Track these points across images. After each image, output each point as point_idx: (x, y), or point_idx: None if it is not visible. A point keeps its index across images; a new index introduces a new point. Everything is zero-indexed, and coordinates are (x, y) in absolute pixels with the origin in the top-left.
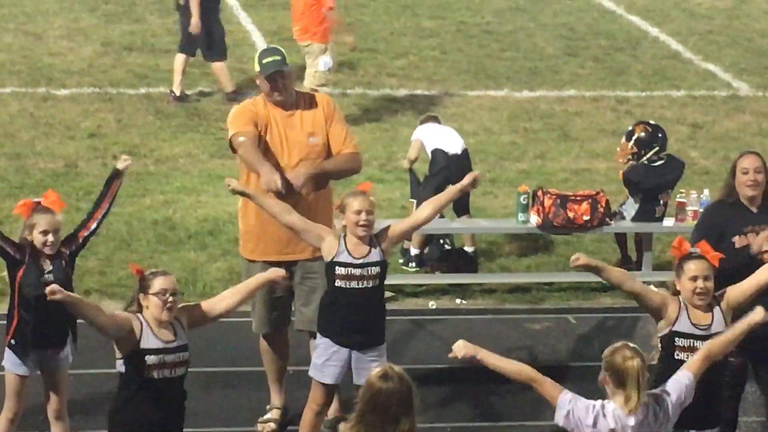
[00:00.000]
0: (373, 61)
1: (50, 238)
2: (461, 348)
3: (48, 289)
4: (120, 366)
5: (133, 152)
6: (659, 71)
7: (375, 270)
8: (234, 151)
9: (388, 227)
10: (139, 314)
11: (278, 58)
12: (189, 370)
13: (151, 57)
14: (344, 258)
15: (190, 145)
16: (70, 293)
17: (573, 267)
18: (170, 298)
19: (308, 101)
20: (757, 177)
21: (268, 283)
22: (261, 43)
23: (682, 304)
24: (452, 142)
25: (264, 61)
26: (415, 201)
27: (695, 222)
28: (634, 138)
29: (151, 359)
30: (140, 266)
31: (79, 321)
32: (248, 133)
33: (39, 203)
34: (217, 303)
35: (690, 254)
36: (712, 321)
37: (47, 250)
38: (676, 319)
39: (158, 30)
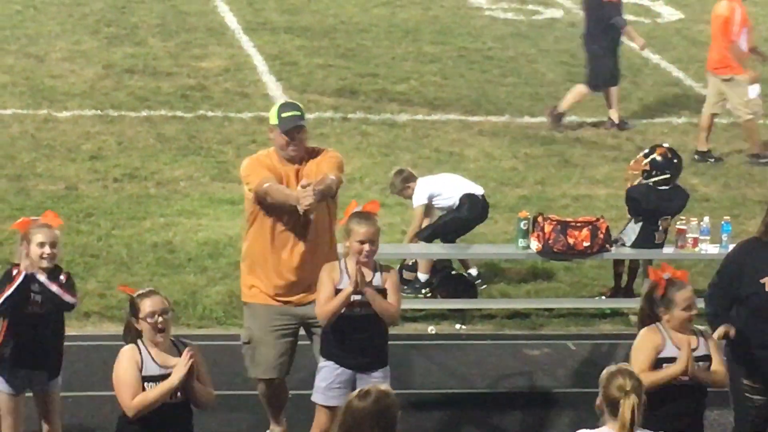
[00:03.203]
0: (374, 86)
1: (47, 250)
2: None
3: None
4: None
5: (133, 174)
6: (660, 98)
7: None
8: (260, 201)
9: (392, 274)
10: (139, 341)
11: (298, 113)
12: None
13: (152, 80)
14: (345, 285)
15: (190, 168)
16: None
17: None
18: (160, 319)
19: (315, 155)
20: None
21: None
22: (262, 67)
23: (663, 332)
24: (471, 184)
25: (283, 115)
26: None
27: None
28: (651, 158)
29: (149, 386)
30: (130, 287)
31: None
32: (270, 177)
33: (37, 220)
34: None
35: (673, 283)
36: (698, 345)
37: (44, 263)
38: (663, 347)
39: (159, 53)
